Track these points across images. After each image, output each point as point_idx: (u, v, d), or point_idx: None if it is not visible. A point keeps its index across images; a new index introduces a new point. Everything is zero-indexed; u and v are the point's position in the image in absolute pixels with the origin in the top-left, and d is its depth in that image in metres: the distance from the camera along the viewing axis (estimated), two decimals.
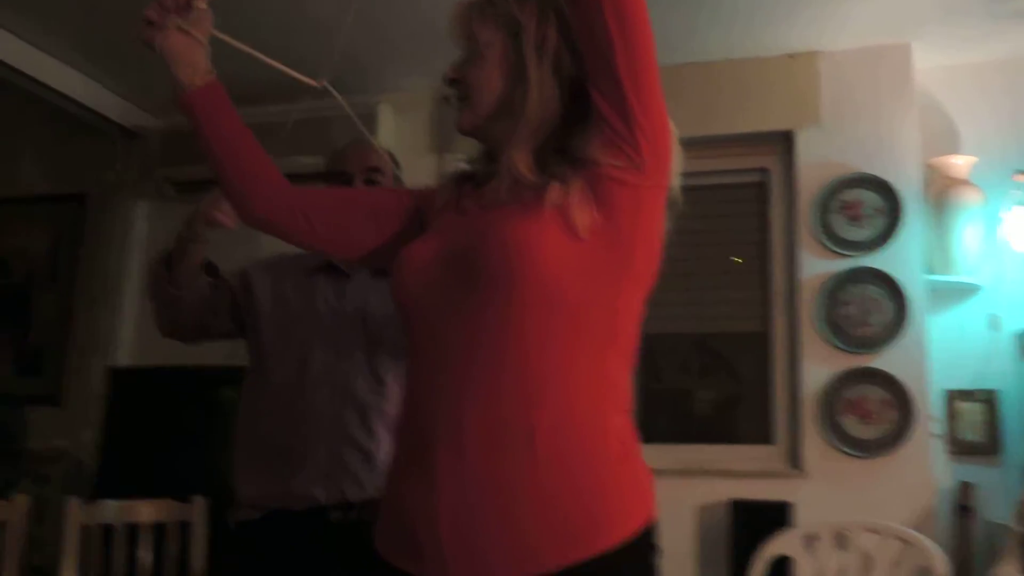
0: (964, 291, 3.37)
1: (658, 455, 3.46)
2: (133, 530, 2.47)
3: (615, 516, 1.22)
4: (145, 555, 2.47)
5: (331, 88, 1.57)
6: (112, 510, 2.48)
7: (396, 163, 2.26)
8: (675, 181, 1.30)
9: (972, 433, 3.29)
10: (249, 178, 1.44)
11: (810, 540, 2.96)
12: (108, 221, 4.19)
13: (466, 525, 1.19)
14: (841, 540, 2.95)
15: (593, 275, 1.22)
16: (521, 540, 1.18)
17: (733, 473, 3.33)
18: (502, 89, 1.31)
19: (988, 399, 3.29)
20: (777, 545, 2.92)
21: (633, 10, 1.21)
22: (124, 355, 4.04)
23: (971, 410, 3.30)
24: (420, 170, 2.16)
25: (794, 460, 3.34)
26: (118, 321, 4.06)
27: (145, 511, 2.52)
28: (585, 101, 1.26)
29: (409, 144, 3.64)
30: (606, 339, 1.25)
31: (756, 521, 3.09)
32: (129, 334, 4.08)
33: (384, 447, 2.01)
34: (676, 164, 1.30)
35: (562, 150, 1.27)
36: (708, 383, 3.69)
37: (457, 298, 1.23)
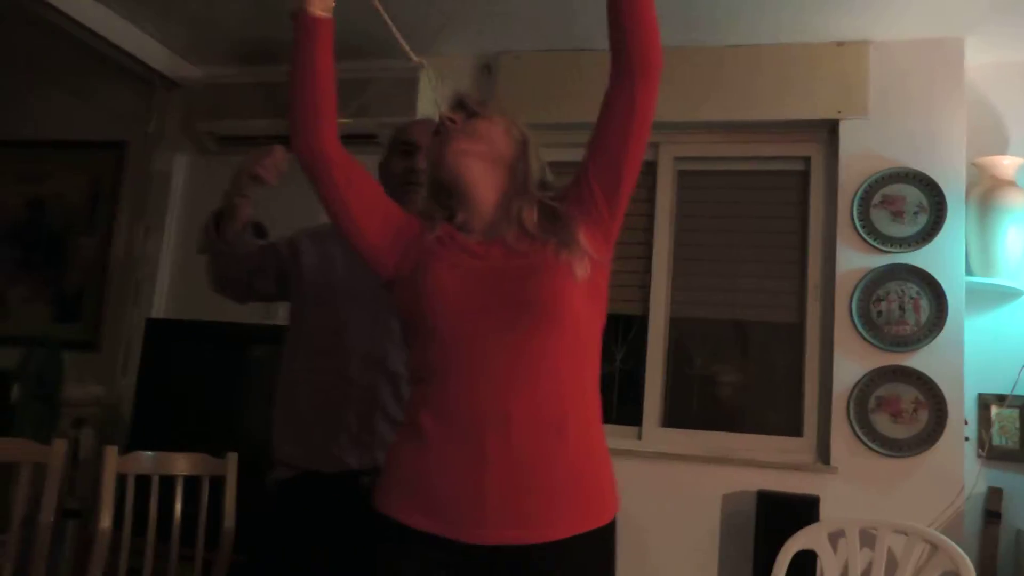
0: (1004, 294, 3.34)
1: (686, 440, 3.46)
2: (166, 481, 2.51)
3: (609, 499, 1.60)
4: (178, 507, 2.52)
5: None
6: (149, 461, 2.52)
7: None
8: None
9: (1004, 438, 3.26)
10: (323, 113, 1.63)
11: (836, 536, 2.96)
12: (147, 171, 4.20)
13: (512, 496, 1.50)
14: (867, 538, 2.94)
15: (589, 310, 1.60)
16: (555, 509, 1.51)
17: (760, 463, 3.31)
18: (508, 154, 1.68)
19: (1022, 405, 3.25)
20: (803, 539, 2.92)
21: (645, 128, 1.60)
22: (160, 306, 4.08)
23: (1004, 415, 3.26)
24: None
25: (823, 454, 3.32)
26: (155, 272, 4.09)
27: (181, 464, 2.58)
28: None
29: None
30: (594, 357, 1.64)
31: (782, 513, 3.08)
32: (164, 286, 4.11)
33: None
34: None
35: (551, 210, 1.63)
36: (739, 371, 3.64)
37: (501, 324, 1.54)
